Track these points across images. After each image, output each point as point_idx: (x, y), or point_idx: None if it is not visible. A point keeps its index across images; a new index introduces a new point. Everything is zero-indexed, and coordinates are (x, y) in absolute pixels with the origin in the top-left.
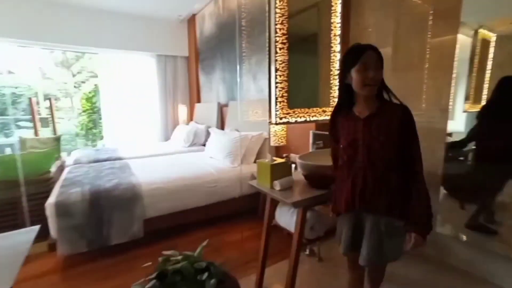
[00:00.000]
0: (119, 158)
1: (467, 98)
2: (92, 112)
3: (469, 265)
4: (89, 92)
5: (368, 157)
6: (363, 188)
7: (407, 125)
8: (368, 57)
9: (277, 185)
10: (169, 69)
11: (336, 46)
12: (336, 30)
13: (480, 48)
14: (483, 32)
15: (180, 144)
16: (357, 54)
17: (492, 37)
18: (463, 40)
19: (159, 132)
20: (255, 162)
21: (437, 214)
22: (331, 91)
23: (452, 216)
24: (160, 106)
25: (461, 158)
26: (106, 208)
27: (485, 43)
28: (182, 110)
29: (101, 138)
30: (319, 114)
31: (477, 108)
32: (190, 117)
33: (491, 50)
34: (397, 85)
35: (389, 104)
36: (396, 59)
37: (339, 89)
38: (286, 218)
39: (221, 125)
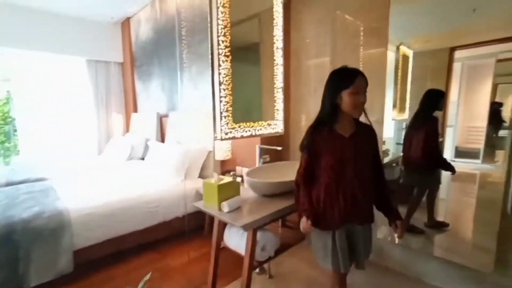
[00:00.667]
0: (41, 179)
1: (394, 106)
2: (4, 123)
3: (403, 267)
4: None
5: (355, 173)
6: (354, 202)
7: (376, 142)
8: (360, 82)
9: (226, 206)
10: (101, 75)
11: (279, 59)
12: (278, 42)
13: (401, 63)
14: (403, 48)
15: (116, 158)
16: (351, 78)
17: (410, 53)
18: (390, 55)
19: (91, 144)
20: (199, 177)
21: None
22: (275, 104)
23: (386, 220)
24: (92, 115)
25: (394, 165)
26: (22, 243)
27: (405, 58)
28: (117, 120)
29: (17, 153)
30: (265, 128)
31: (402, 116)
32: (127, 128)
33: (410, 64)
34: None
35: (361, 124)
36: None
37: (325, 107)
38: (236, 240)
39: (161, 137)
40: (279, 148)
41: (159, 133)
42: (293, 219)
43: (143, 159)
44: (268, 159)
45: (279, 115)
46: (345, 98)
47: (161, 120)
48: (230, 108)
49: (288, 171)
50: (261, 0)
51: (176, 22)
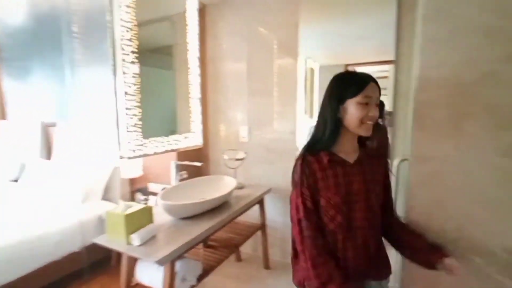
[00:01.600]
0: None
1: (305, 113)
2: None
3: None
4: None
5: (367, 214)
6: (367, 253)
7: (387, 169)
8: (372, 90)
9: (136, 239)
10: None
11: (195, 66)
12: (193, 48)
13: (310, 75)
14: (309, 62)
15: None
16: (361, 84)
17: (316, 66)
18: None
19: None
20: (104, 199)
21: None
22: (191, 114)
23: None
24: None
25: None
26: None
27: (312, 71)
28: None
29: None
30: (181, 142)
31: (312, 122)
32: None
33: (317, 76)
34: (254, 109)
35: (367, 146)
36: (251, 82)
37: (325, 122)
38: (151, 274)
39: (47, 152)
40: (199, 164)
41: (45, 146)
42: (216, 237)
43: (16, 181)
44: (186, 176)
45: (197, 126)
46: (351, 109)
47: (47, 131)
48: (139, 122)
49: (209, 188)
50: (173, 2)
51: (63, 10)
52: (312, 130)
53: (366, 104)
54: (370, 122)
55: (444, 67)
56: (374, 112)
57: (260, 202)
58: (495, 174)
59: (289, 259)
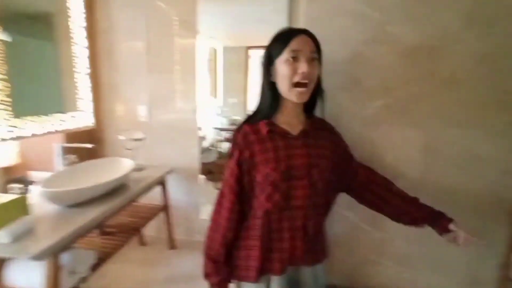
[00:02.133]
0: None
1: (211, 94)
2: None
3: None
4: None
5: (309, 192)
6: (305, 236)
7: (341, 142)
8: (300, 43)
9: (4, 236)
10: None
11: (81, 39)
12: (77, 17)
13: (213, 55)
14: (212, 42)
15: None
16: (286, 39)
17: (220, 47)
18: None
19: None
20: None
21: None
22: (78, 91)
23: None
24: None
25: (212, 148)
26: None
27: (215, 51)
28: None
29: None
30: (68, 122)
31: (217, 102)
32: None
33: (220, 57)
34: (154, 87)
35: (316, 118)
36: (150, 59)
37: (262, 90)
38: (28, 274)
39: None
40: (90, 146)
41: None
42: (115, 223)
43: None
44: (76, 160)
45: (87, 105)
46: (279, 69)
47: None
48: (8, 99)
49: (103, 171)
50: None
51: None
52: (220, 111)
53: (294, 59)
54: (304, 81)
55: (323, 45)
56: (305, 68)
57: (162, 182)
58: (360, 138)
59: (194, 237)
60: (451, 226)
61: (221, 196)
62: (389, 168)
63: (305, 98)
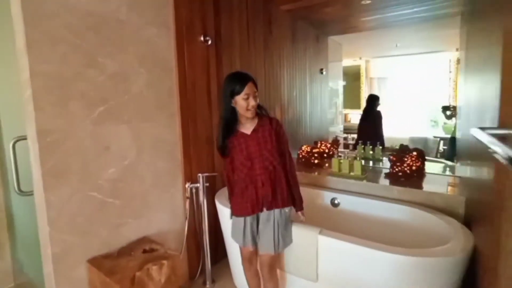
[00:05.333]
0: None
1: None
2: None
3: None
4: None
5: (263, 165)
6: (264, 191)
7: (279, 132)
8: (250, 88)
9: None
10: None
11: None
12: None
13: None
14: None
15: None
16: (242, 84)
17: None
18: None
19: None
20: None
21: None
22: None
23: None
24: None
25: None
26: None
27: None
28: None
29: None
30: None
31: None
32: None
33: None
34: None
35: (263, 119)
36: None
37: (225, 110)
38: None
39: None
40: None
41: None
42: None
43: None
44: None
45: None
46: (239, 103)
47: None
48: None
49: None
50: None
51: None
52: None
53: (247, 96)
54: (252, 109)
55: (50, 64)
56: (253, 103)
57: None
58: (90, 136)
59: None
60: (300, 213)
61: (225, 169)
62: (116, 155)
63: (254, 114)
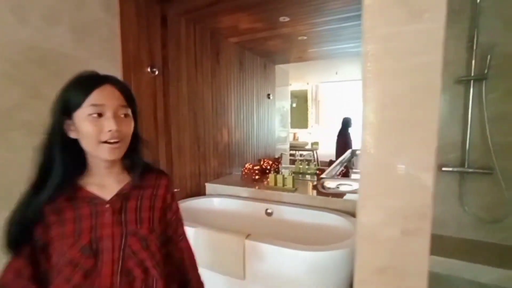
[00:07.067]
0: None
1: None
2: None
3: None
4: None
5: (123, 267)
6: None
7: (170, 205)
8: (104, 97)
9: None
10: None
11: None
12: None
13: None
14: None
15: None
16: (85, 88)
17: None
18: None
19: None
20: None
21: None
22: None
23: None
24: None
25: None
26: None
27: None
28: None
29: None
30: None
31: None
32: None
33: None
34: None
35: (146, 174)
36: None
37: (49, 147)
38: None
39: None
40: None
41: None
42: None
43: None
44: None
45: None
46: (80, 126)
47: None
48: None
49: None
50: None
51: None
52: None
53: (99, 115)
54: (113, 141)
55: None
56: (113, 126)
57: None
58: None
59: None
60: None
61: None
62: None
63: (119, 154)
